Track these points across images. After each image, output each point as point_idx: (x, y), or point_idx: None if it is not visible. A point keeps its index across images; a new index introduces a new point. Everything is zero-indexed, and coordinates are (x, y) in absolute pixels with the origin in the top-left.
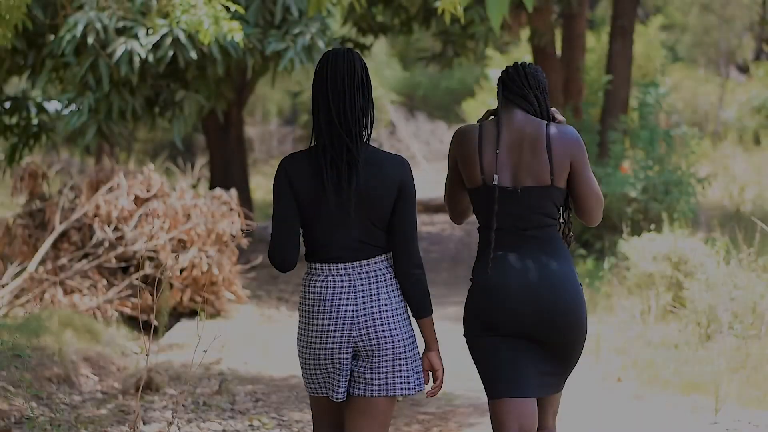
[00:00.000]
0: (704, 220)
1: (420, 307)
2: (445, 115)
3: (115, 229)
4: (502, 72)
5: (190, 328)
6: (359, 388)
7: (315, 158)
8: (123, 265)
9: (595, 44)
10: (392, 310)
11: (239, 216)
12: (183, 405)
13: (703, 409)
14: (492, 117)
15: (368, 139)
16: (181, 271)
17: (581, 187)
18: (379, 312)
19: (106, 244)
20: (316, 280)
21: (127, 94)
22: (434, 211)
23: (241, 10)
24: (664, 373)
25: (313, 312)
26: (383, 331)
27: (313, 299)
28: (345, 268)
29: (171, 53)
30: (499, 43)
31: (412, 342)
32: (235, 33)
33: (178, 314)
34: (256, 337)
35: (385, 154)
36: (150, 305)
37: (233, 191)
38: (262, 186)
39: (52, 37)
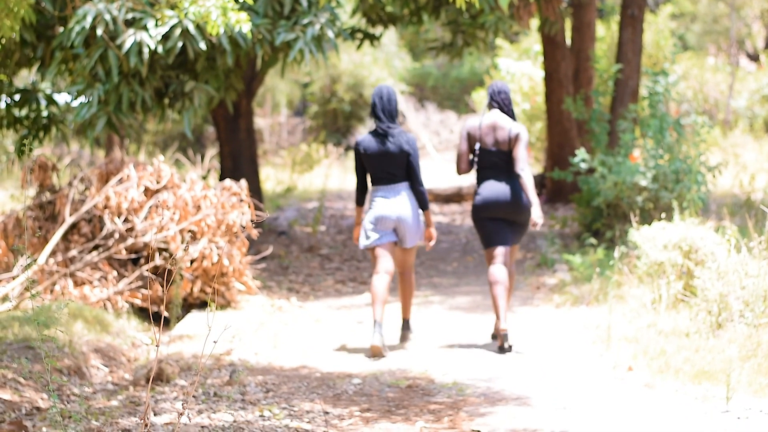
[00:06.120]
0: (715, 209)
1: (423, 204)
2: (455, 105)
3: (126, 220)
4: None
5: (201, 319)
6: (400, 242)
7: (373, 133)
8: (133, 256)
9: (605, 33)
10: (410, 206)
11: (249, 207)
12: (193, 396)
13: (714, 398)
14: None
15: (396, 124)
16: (192, 262)
17: (516, 152)
18: (404, 207)
19: (117, 236)
20: (375, 192)
21: (136, 85)
22: (444, 202)
23: (250, 1)
24: (675, 362)
25: (378, 207)
26: (406, 216)
27: (374, 200)
28: (389, 189)
29: (180, 44)
30: (509, 33)
31: (419, 222)
32: (243, 24)
33: (188, 305)
34: (267, 327)
35: (404, 133)
36: (160, 296)
37: (243, 182)
38: (272, 177)
39: (61, 29)
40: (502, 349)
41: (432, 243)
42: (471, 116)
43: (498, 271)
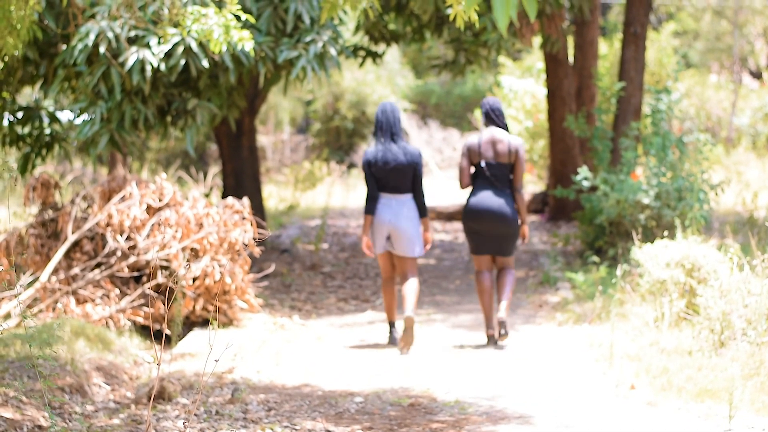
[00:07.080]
0: (717, 227)
1: (423, 212)
2: (458, 122)
3: (128, 238)
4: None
5: (203, 337)
6: (397, 250)
7: (384, 147)
8: (135, 274)
9: (608, 51)
10: (410, 216)
11: (252, 225)
12: (195, 414)
13: (716, 416)
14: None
15: (401, 138)
16: (194, 280)
17: (517, 168)
18: (404, 216)
19: (119, 254)
20: (380, 201)
21: (139, 103)
22: (447, 219)
23: (252, 20)
24: (678, 380)
25: (377, 214)
26: (405, 225)
27: (379, 209)
28: (391, 198)
29: (183, 62)
30: (512, 51)
31: (418, 232)
32: (246, 42)
33: (190, 323)
34: (269, 345)
35: (410, 146)
36: (162, 314)
37: (246, 200)
38: (274, 195)
39: (64, 46)
40: (493, 341)
41: (428, 246)
42: (474, 133)
43: (485, 279)
